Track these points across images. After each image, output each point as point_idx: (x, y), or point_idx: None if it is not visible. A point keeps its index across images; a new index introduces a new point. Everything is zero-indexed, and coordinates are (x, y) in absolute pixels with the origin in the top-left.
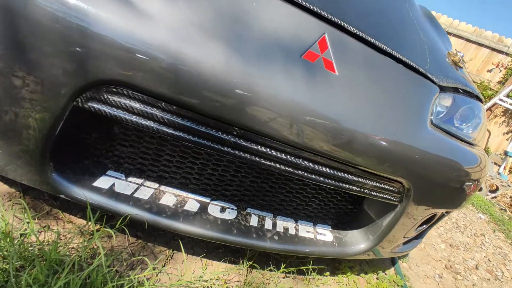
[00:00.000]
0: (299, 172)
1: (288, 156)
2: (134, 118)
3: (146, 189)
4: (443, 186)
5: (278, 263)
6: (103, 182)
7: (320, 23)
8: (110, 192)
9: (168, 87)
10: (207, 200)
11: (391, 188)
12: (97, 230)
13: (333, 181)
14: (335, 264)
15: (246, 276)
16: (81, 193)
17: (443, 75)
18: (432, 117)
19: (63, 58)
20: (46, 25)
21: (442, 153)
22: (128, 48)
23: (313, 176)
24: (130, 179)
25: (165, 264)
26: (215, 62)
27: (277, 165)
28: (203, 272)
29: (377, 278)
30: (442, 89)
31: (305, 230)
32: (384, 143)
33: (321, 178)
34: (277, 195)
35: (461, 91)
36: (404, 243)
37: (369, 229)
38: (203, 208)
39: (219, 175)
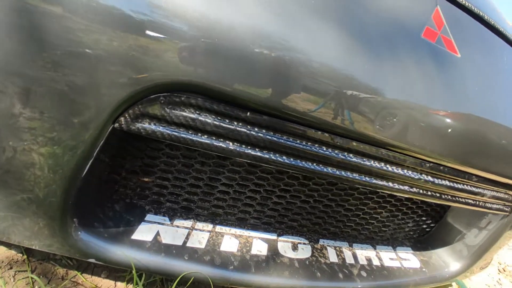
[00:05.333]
0: (406, 188)
1: (401, 169)
2: (208, 140)
3: (200, 234)
4: None
5: None
6: (144, 232)
7: None
8: (157, 245)
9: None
10: (273, 236)
11: (504, 196)
12: None
13: (438, 194)
14: None
15: None
16: (119, 252)
17: None
18: None
19: (96, 53)
20: None
21: None
22: (221, 37)
23: (420, 191)
24: (176, 222)
25: None
26: (324, 53)
27: (383, 182)
28: None
29: None
30: None
31: (388, 257)
32: None
33: (430, 193)
34: (353, 218)
35: None
36: None
37: (460, 245)
38: (273, 248)
39: (286, 202)
